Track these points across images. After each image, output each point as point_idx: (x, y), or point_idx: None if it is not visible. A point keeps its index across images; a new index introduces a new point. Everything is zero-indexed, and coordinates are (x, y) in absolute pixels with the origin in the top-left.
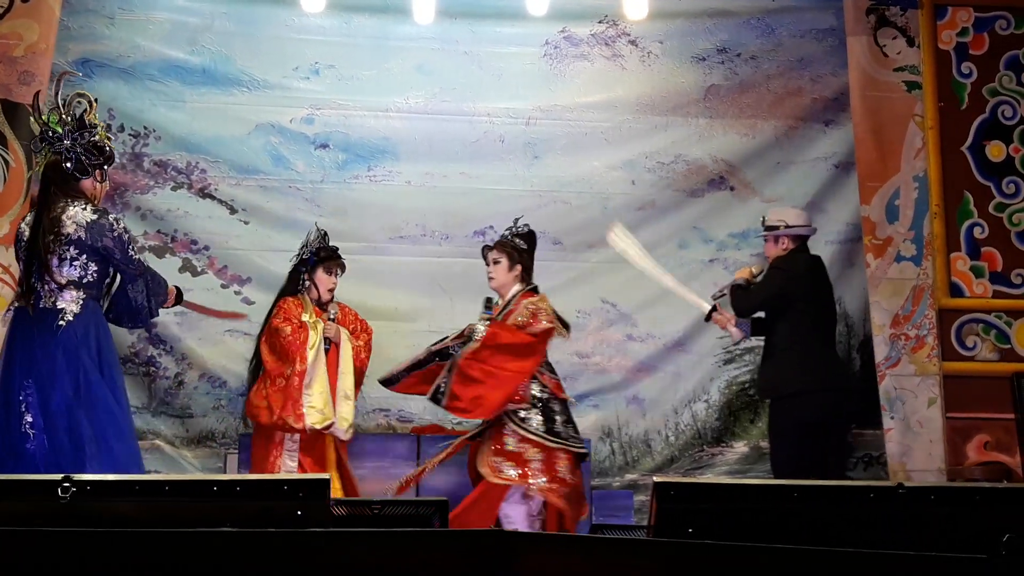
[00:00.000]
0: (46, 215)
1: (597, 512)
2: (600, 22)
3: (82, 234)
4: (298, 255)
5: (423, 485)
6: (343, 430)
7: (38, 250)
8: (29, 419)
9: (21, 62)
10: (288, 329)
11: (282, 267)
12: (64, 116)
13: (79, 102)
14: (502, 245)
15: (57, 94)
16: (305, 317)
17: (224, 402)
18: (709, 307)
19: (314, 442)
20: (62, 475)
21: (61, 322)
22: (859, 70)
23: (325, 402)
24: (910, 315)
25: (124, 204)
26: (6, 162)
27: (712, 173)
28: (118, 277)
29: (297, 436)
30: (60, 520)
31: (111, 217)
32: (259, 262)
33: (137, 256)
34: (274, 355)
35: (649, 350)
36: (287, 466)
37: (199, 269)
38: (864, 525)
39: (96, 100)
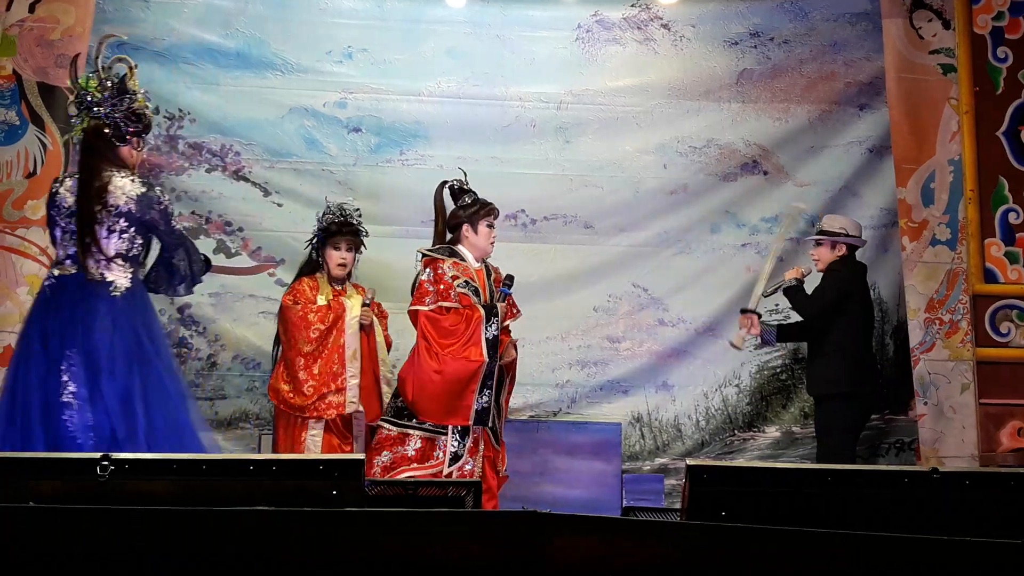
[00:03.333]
0: (92, 183)
1: (628, 495)
2: (632, 6)
3: (132, 207)
4: (313, 231)
5: None
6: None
7: (87, 219)
8: (72, 389)
9: (58, 45)
10: (297, 308)
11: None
12: (104, 81)
13: (120, 67)
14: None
15: (97, 58)
16: (320, 299)
17: (258, 383)
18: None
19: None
20: (100, 454)
21: (114, 294)
22: (894, 52)
23: (355, 390)
24: (944, 299)
25: (159, 185)
26: (44, 145)
27: (745, 157)
28: (155, 247)
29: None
30: (98, 498)
31: (157, 189)
32: (292, 244)
33: (178, 226)
34: (285, 336)
35: (680, 335)
36: (312, 443)
37: (233, 250)
38: (898, 510)
39: (136, 66)
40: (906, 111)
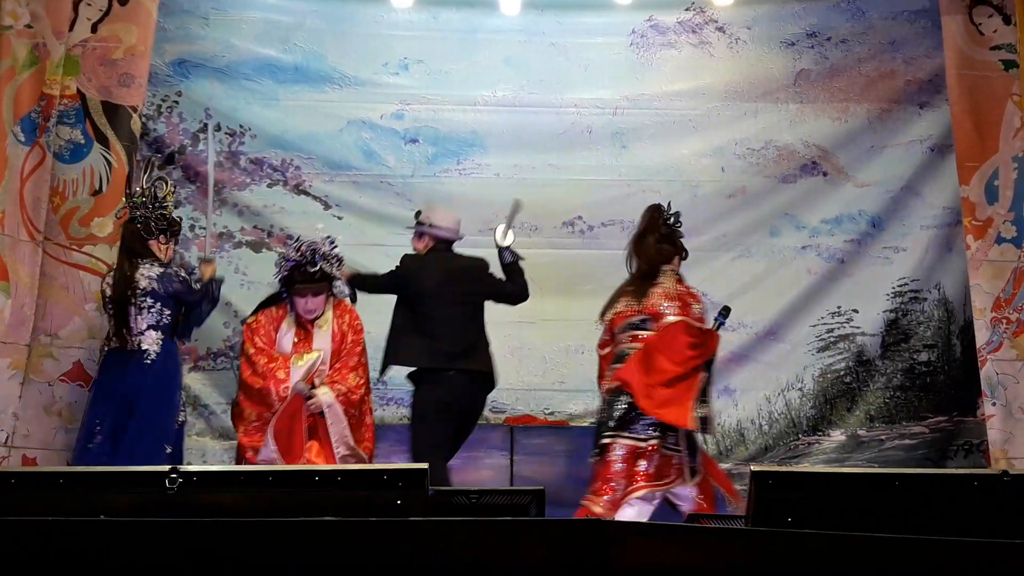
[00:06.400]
0: (121, 274)
1: None
2: (687, 9)
3: (155, 286)
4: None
5: (517, 475)
6: None
7: (122, 304)
8: (99, 440)
9: (120, 64)
10: (251, 351)
11: (375, 260)
12: (145, 192)
13: (159, 184)
14: None
15: (144, 175)
16: (283, 329)
17: None
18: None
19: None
20: (169, 467)
21: (147, 361)
22: (955, 49)
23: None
24: (1011, 298)
25: (221, 201)
26: (109, 163)
27: (804, 158)
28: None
29: None
30: (167, 510)
31: (173, 268)
32: (353, 256)
33: (197, 286)
34: (246, 386)
35: (741, 339)
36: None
37: None
38: (967, 514)
39: (171, 182)
40: (968, 108)
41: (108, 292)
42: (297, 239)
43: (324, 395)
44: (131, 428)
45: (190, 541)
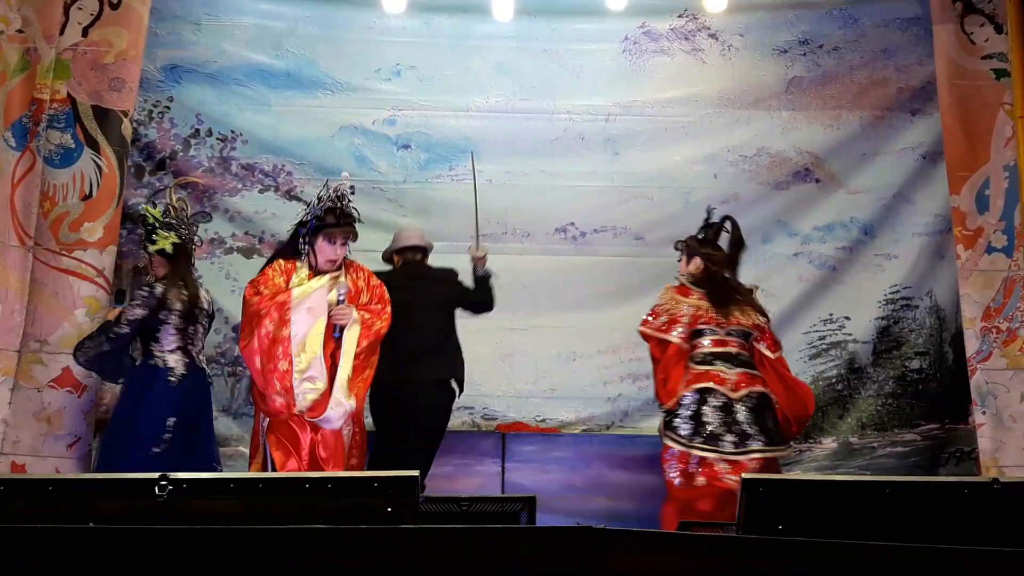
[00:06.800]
0: (189, 290)
1: None
2: (679, 16)
3: (212, 309)
4: (306, 212)
5: (509, 482)
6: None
7: (189, 321)
8: (165, 447)
9: (111, 69)
10: (255, 300)
11: (367, 266)
12: (180, 211)
13: (182, 203)
14: None
15: (171, 195)
16: (294, 281)
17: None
18: None
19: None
20: (159, 474)
21: (209, 380)
22: (946, 58)
23: (322, 387)
24: (1001, 307)
25: (213, 207)
26: (99, 167)
27: (796, 165)
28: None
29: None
30: (157, 517)
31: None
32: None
33: None
34: (246, 329)
35: None
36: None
37: None
38: (958, 521)
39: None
40: (959, 117)
41: (176, 306)
42: (326, 183)
43: (353, 311)
44: (191, 444)
45: (180, 548)
